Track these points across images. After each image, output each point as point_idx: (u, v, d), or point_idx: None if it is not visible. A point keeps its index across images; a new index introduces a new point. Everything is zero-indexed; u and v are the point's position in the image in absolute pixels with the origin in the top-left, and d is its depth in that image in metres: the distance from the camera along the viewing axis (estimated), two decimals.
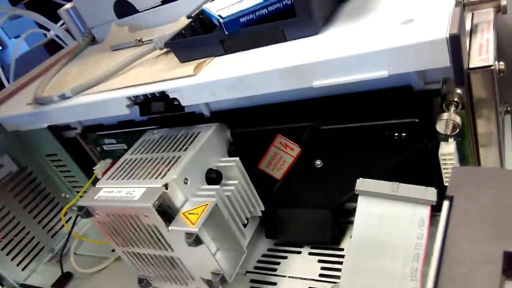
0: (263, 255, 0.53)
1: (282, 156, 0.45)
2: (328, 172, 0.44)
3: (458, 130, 0.34)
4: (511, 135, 0.48)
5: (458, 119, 0.34)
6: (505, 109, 0.50)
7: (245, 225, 0.47)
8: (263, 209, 0.49)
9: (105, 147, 0.62)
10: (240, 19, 0.41)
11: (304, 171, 0.45)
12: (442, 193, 0.37)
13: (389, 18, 0.36)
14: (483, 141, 0.38)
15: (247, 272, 0.51)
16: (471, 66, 0.35)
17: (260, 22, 0.41)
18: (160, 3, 0.67)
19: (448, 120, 0.34)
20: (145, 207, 0.39)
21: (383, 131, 0.37)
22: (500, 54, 0.40)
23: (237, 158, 0.45)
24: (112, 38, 0.70)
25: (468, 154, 0.38)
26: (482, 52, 0.36)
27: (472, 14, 0.41)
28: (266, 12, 0.41)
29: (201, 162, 0.44)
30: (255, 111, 0.46)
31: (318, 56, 0.35)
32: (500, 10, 0.40)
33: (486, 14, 0.40)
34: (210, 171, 0.45)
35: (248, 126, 0.46)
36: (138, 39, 0.62)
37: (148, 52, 0.52)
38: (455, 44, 0.29)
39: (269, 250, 0.53)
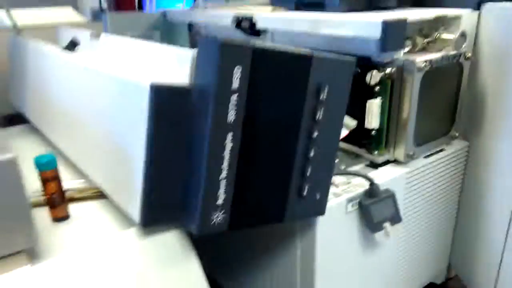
0: None
1: None
2: None
3: (375, 83, 0.57)
4: None
5: (377, 76, 0.57)
6: (455, 134, 0.69)
7: None
8: None
9: None
10: None
11: None
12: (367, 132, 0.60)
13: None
14: (394, 110, 0.59)
15: None
16: (403, 59, 0.58)
17: None
18: None
19: (371, 74, 0.57)
20: None
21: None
22: None
23: None
24: None
25: (384, 113, 0.60)
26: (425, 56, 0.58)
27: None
28: None
29: None
30: None
31: (325, 17, 0.62)
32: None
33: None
34: None
35: None
36: None
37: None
38: (386, 28, 0.54)
39: None
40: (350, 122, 0.61)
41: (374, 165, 0.63)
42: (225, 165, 0.39)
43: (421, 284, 0.75)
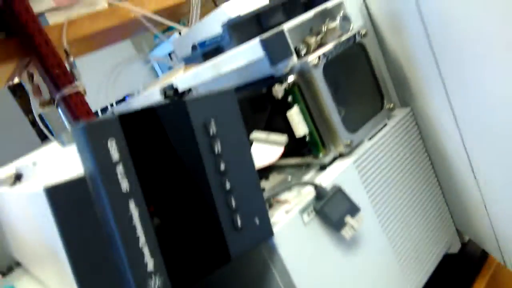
0: None
1: None
2: None
3: (282, 95, 0.59)
4: None
5: (280, 89, 0.58)
6: (390, 106, 0.69)
7: None
8: None
9: None
10: None
11: None
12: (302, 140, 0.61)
13: None
14: (314, 111, 0.60)
15: None
16: (298, 63, 0.59)
17: None
18: None
19: (274, 89, 0.59)
20: None
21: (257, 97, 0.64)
22: None
23: None
24: None
25: (307, 118, 0.61)
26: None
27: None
28: None
29: None
30: None
31: (221, 57, 0.65)
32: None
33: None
34: None
35: None
36: None
37: None
38: (265, 44, 0.56)
39: None
40: (280, 138, 0.62)
41: (324, 167, 0.63)
42: (139, 232, 0.40)
43: (435, 262, 0.71)
